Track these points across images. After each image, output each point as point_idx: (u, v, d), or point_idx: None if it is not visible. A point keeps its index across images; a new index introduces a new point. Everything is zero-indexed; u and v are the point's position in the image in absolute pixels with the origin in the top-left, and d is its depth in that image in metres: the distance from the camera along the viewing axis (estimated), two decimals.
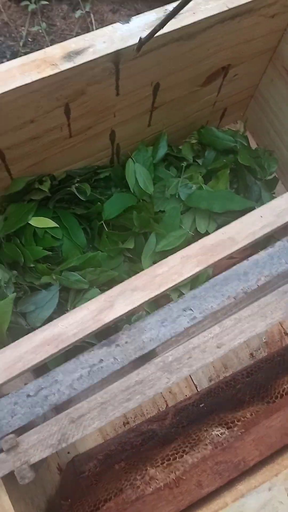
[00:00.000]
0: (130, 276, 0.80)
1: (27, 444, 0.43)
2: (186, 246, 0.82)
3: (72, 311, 0.48)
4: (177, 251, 0.80)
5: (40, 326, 0.69)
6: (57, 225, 0.75)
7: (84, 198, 0.75)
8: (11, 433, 0.44)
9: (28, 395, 0.45)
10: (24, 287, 0.71)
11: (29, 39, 1.89)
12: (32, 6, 1.84)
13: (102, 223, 0.77)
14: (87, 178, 0.80)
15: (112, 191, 0.82)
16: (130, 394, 0.45)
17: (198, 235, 0.81)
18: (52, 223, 0.74)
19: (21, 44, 1.87)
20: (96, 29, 1.89)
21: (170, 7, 0.59)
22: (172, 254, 0.80)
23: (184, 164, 0.83)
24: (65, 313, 0.71)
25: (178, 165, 0.84)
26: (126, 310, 0.48)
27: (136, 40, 0.57)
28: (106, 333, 0.51)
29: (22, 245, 0.74)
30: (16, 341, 0.47)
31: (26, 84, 0.54)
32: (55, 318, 0.70)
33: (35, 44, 1.89)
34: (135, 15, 0.59)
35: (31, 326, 0.68)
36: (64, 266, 0.72)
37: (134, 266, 0.78)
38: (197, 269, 0.49)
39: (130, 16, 1.89)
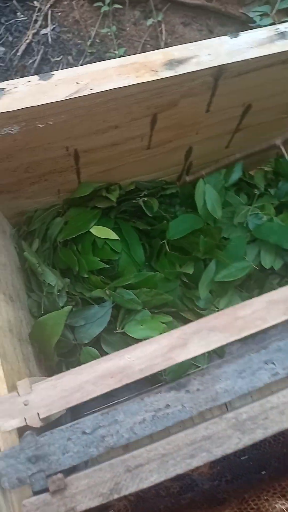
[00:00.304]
0: (183, 303, 0.76)
1: (76, 488, 0.38)
2: (247, 279, 0.77)
3: (141, 343, 0.43)
4: (237, 283, 0.76)
5: (88, 343, 0.65)
6: (118, 238, 0.70)
7: (151, 214, 0.71)
8: (60, 472, 0.39)
9: (84, 432, 0.40)
10: (77, 298, 0.67)
11: (97, 40, 1.88)
12: (105, 8, 1.83)
13: (164, 242, 0.72)
14: (153, 192, 0.75)
15: (176, 209, 0.78)
16: (195, 450, 0.40)
17: (261, 270, 0.76)
18: (113, 235, 0.70)
19: (88, 43, 1.86)
20: (165, 39, 1.88)
21: (282, 27, 0.55)
22: (231, 286, 0.75)
23: (256, 192, 0.78)
24: (114, 332, 0.68)
25: (249, 192, 0.79)
26: (200, 352, 0.43)
27: (243, 57, 0.53)
28: None
29: (78, 253, 0.71)
30: (77, 368, 0.42)
31: (122, 87, 0.50)
32: (103, 336, 0.66)
33: (102, 45, 1.88)
34: (205, 31, 0.55)
35: (78, 341, 0.64)
36: (119, 282, 0.68)
37: (188, 292, 0.73)
38: (284, 318, 0.44)
39: (200, 31, 1.86)
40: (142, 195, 0.73)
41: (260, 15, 1.43)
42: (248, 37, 0.55)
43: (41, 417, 0.41)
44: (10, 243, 0.71)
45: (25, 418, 0.41)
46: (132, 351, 0.43)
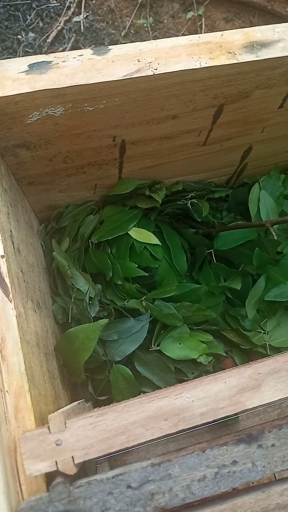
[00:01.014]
0: (225, 321, 0.68)
1: None
2: None
3: (203, 380, 0.35)
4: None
5: (120, 361, 0.57)
6: (159, 243, 0.63)
7: (200, 218, 0.63)
8: None
9: (129, 486, 0.33)
10: (110, 308, 0.59)
11: (132, 31, 1.81)
12: None
13: (211, 252, 0.64)
14: (201, 195, 0.67)
15: (223, 215, 0.70)
16: None
17: None
18: (155, 239, 0.62)
19: (122, 34, 1.79)
20: None
21: None
22: (281, 306, 0.67)
23: None
24: (149, 350, 0.60)
25: None
26: (277, 398, 0.35)
27: None
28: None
29: (113, 256, 0.63)
30: (123, 404, 0.35)
31: (191, 69, 0.42)
32: (137, 354, 0.59)
33: (137, 37, 1.80)
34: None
35: (109, 358, 0.56)
36: (159, 293, 0.60)
37: (233, 310, 0.65)
38: None
39: (243, 28, 1.78)
40: (189, 196, 0.65)
41: None
42: None
43: (76, 462, 0.33)
44: (37, 241, 0.63)
45: (56, 462, 0.33)
46: (192, 389, 0.35)
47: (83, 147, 0.52)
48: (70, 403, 0.56)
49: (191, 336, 0.62)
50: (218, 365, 0.65)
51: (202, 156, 0.60)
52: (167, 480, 0.33)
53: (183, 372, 0.61)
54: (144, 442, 0.34)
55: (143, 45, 0.43)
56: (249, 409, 0.34)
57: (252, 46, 0.43)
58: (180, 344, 0.60)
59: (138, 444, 0.34)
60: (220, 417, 0.34)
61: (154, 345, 0.59)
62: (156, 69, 0.41)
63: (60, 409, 0.39)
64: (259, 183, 0.66)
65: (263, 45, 0.43)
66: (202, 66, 0.42)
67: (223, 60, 0.42)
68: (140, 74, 0.41)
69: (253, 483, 0.34)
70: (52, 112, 0.45)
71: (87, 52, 0.43)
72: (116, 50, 0.42)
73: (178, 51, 0.42)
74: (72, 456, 0.33)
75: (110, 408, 0.35)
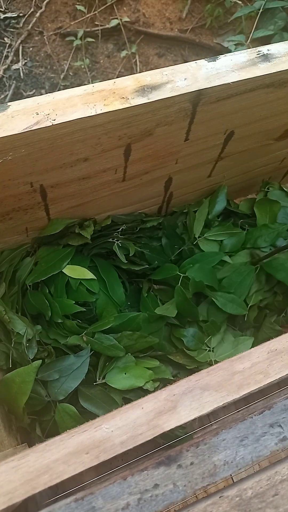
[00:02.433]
0: (171, 345, 0.69)
1: None
2: (240, 317, 0.71)
3: (121, 409, 0.37)
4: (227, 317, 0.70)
5: (64, 400, 0.57)
6: (95, 277, 0.64)
7: (125, 260, 0.65)
8: None
9: None
10: (49, 348, 0.60)
11: (70, 73, 1.87)
12: (77, 42, 1.83)
13: (150, 280, 0.66)
14: (132, 226, 0.70)
15: (163, 242, 0.72)
16: None
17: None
18: (89, 274, 0.64)
19: (61, 77, 1.85)
20: (140, 70, 1.88)
21: (264, 49, 0.52)
22: (224, 322, 0.69)
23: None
24: (94, 384, 0.60)
25: (236, 222, 0.74)
26: (193, 417, 0.36)
27: (223, 81, 0.49)
28: None
29: (50, 296, 0.64)
30: (44, 444, 0.35)
31: (88, 117, 0.45)
32: (81, 390, 0.59)
33: (76, 78, 1.87)
34: (180, 61, 0.52)
35: (52, 398, 0.56)
36: (98, 326, 0.61)
37: (177, 331, 0.67)
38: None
39: (176, 61, 1.87)
40: (119, 230, 0.67)
41: (235, 45, 1.44)
42: (227, 60, 0.51)
43: (0, 508, 0.34)
44: None
45: None
46: (111, 420, 0.36)
47: (2, 196, 0.54)
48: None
49: (136, 365, 0.63)
50: None
51: (125, 190, 0.63)
52: None
53: (131, 401, 0.61)
54: (69, 477, 0.35)
55: (40, 98, 0.46)
56: (166, 431, 0.36)
57: (143, 89, 0.47)
58: (125, 374, 0.61)
59: (65, 481, 0.35)
60: (139, 442, 0.35)
61: (99, 379, 0.60)
62: (54, 120, 0.44)
63: None
64: (192, 211, 0.69)
65: (153, 87, 0.47)
66: (98, 113, 0.45)
67: (117, 105, 0.46)
68: (40, 125, 0.44)
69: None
70: None
71: None
72: (15, 106, 0.45)
73: (74, 101, 0.45)
74: None
75: (31, 449, 0.35)
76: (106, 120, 0.46)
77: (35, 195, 0.56)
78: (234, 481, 0.35)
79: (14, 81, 1.78)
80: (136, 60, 1.82)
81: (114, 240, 0.67)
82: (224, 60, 0.50)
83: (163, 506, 0.34)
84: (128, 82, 0.47)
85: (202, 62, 0.50)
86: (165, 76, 0.48)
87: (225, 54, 0.51)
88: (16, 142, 0.45)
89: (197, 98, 0.49)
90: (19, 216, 0.59)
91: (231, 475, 0.34)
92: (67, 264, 0.64)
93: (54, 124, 0.44)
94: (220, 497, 0.34)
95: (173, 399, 0.37)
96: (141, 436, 0.36)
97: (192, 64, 0.50)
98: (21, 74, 1.81)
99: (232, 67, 0.49)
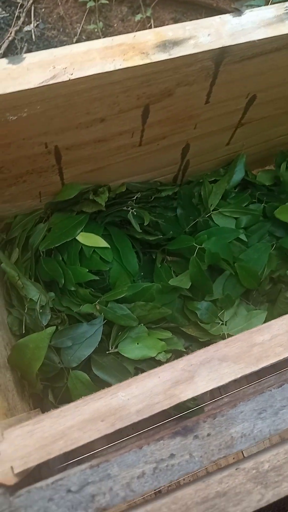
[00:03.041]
0: (183, 317, 0.68)
1: None
2: (254, 290, 0.69)
3: (137, 377, 0.36)
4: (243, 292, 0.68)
5: (77, 367, 0.57)
6: (108, 246, 0.63)
7: (139, 229, 0.63)
8: None
9: (69, 490, 0.33)
10: (62, 315, 0.59)
11: (83, 37, 1.81)
12: (90, 4, 1.76)
13: (164, 250, 0.65)
14: (147, 195, 0.68)
15: (178, 212, 0.70)
16: (208, 510, 0.32)
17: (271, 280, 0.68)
18: (103, 242, 0.62)
19: (74, 40, 1.78)
20: None
21: None
22: (238, 295, 0.68)
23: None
24: (106, 353, 0.60)
25: (254, 193, 0.72)
26: (210, 387, 0.35)
27: (248, 38, 0.46)
28: None
29: (64, 263, 0.63)
30: (59, 410, 0.35)
31: (107, 72, 0.42)
32: (94, 358, 0.59)
33: None
34: None
35: (65, 365, 0.56)
36: (111, 296, 0.60)
37: (190, 304, 0.66)
38: None
39: None
40: (134, 198, 0.65)
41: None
42: (254, 16, 0.47)
43: (15, 472, 0.33)
44: None
45: None
46: (127, 388, 0.35)
47: (16, 156, 0.52)
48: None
49: (149, 335, 0.62)
50: None
51: (141, 156, 0.61)
52: (106, 480, 0.33)
53: (144, 371, 0.61)
54: (83, 444, 0.34)
55: (57, 51, 0.43)
56: (183, 400, 0.35)
57: (164, 45, 0.44)
58: (138, 344, 0.61)
59: (78, 448, 0.34)
60: (156, 412, 0.35)
61: (112, 348, 0.60)
62: (72, 74, 0.42)
63: (2, 421, 0.39)
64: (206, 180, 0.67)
65: (175, 43, 0.44)
66: (117, 68, 0.42)
67: (137, 60, 0.43)
68: (56, 80, 0.41)
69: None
70: None
71: (2, 61, 0.43)
72: (30, 58, 0.42)
73: (92, 54, 0.43)
74: (11, 466, 0.33)
75: (46, 415, 0.35)
76: (125, 76, 0.44)
77: (50, 157, 0.54)
78: (245, 456, 0.34)
79: (26, 44, 1.72)
80: (151, 25, 1.74)
81: (128, 209, 0.65)
82: (250, 16, 0.46)
83: (178, 476, 0.33)
84: (149, 37, 0.44)
85: (227, 17, 0.46)
86: (187, 31, 0.45)
87: (251, 9, 0.47)
88: (31, 98, 0.42)
89: (221, 56, 0.46)
90: (33, 179, 0.57)
91: (241, 451, 0.34)
92: (81, 231, 0.62)
93: (71, 79, 0.41)
94: (236, 469, 0.33)
95: (191, 369, 0.36)
96: (158, 405, 0.35)
97: (216, 19, 0.46)
98: (33, 36, 1.75)
99: (259, 23, 0.46)
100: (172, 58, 0.43)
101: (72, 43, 1.76)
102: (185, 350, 0.66)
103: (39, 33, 1.78)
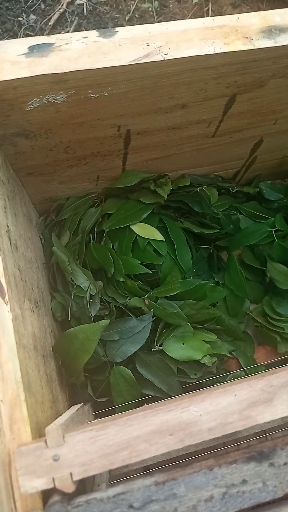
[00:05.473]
0: (232, 319, 0.65)
1: None
2: None
3: (211, 392, 0.33)
4: None
5: (121, 362, 0.55)
6: (163, 239, 0.60)
7: (202, 210, 0.60)
8: None
9: (131, 506, 0.30)
10: (111, 306, 0.57)
11: (136, 15, 1.75)
12: None
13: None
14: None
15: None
16: None
17: None
18: (159, 235, 0.59)
19: (126, 18, 1.73)
20: None
21: None
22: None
23: None
24: (151, 351, 0.57)
25: None
26: None
27: None
28: None
29: (114, 252, 0.60)
30: (126, 417, 0.32)
31: (204, 55, 0.39)
32: (139, 355, 0.56)
33: (141, 21, 1.74)
34: None
35: (109, 359, 0.54)
36: (163, 291, 0.57)
37: (275, 298, 0.62)
38: None
39: None
40: (195, 191, 0.62)
41: None
42: None
43: (74, 479, 0.31)
44: (36, 234, 0.61)
45: (53, 479, 0.31)
46: (200, 402, 0.33)
47: (86, 137, 0.49)
48: (68, 406, 0.54)
49: (194, 336, 0.59)
50: (221, 366, 0.63)
51: (211, 148, 0.57)
52: (171, 500, 0.30)
53: (185, 373, 0.58)
54: (148, 458, 0.32)
55: (152, 27, 0.40)
56: (260, 424, 0.32)
57: (270, 31, 0.40)
58: (183, 344, 0.58)
59: (141, 461, 0.32)
60: (228, 432, 0.32)
61: (157, 345, 0.57)
62: (167, 54, 0.38)
63: (58, 419, 0.37)
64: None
65: (282, 30, 0.40)
66: (216, 52, 0.39)
67: (239, 45, 0.39)
68: (149, 59, 0.38)
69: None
70: (54, 99, 0.42)
71: (92, 34, 0.40)
72: (123, 32, 0.39)
73: (190, 34, 0.39)
74: (71, 473, 0.31)
75: (111, 421, 0.32)
76: (223, 62, 0.40)
77: (119, 141, 0.51)
78: None
79: (77, 17, 1.67)
80: (208, 9, 1.67)
81: (191, 192, 0.62)
82: None
83: (249, 504, 0.31)
84: (254, 20, 0.40)
85: None
86: None
87: None
88: (118, 76, 0.39)
89: None
90: (95, 162, 0.54)
91: None
92: (140, 221, 0.59)
93: (165, 59, 0.38)
94: None
95: (270, 391, 0.33)
96: (231, 425, 0.32)
97: None
98: (85, 10, 1.70)
99: None
100: (277, 46, 0.39)
101: (125, 21, 1.72)
102: (229, 356, 0.63)
103: (91, 7, 1.72)
